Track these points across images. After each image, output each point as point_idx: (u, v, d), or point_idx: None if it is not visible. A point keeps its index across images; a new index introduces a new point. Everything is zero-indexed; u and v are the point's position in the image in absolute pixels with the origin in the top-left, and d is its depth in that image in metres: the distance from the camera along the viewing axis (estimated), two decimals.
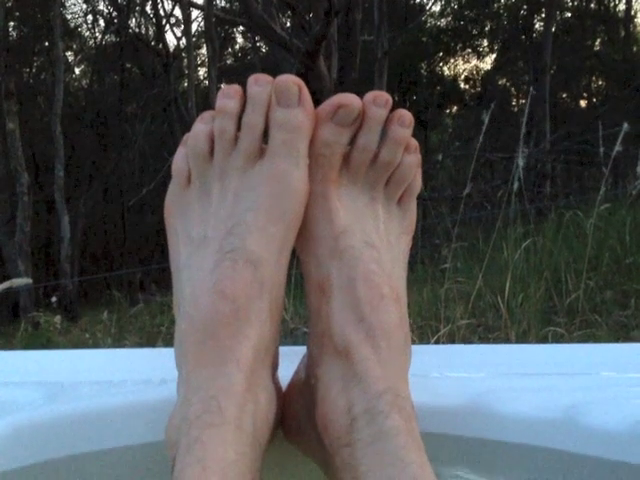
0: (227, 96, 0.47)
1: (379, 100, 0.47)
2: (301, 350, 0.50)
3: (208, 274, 0.44)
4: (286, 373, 0.50)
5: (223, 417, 0.40)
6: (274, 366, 0.47)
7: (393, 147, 0.48)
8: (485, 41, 14.08)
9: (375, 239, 0.48)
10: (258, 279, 0.44)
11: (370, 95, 0.47)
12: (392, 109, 0.48)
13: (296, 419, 0.47)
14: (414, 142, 0.49)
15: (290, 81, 0.45)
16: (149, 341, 3.82)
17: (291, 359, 0.50)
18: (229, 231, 0.45)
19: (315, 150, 0.47)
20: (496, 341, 2.62)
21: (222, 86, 0.49)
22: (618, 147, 2.86)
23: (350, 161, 0.48)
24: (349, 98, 0.46)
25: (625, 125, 2.81)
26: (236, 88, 0.48)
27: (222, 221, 0.46)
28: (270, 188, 0.45)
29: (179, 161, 0.49)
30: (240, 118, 0.47)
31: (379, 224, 0.49)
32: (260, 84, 0.46)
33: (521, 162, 2.88)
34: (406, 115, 0.48)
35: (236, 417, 0.40)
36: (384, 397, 0.41)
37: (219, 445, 0.39)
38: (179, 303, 0.46)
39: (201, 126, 0.48)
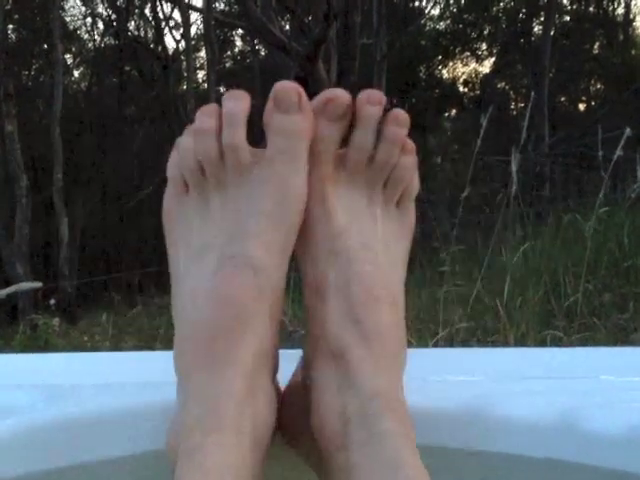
0: (205, 114, 0.47)
1: (373, 98, 0.47)
2: (299, 353, 0.50)
3: (208, 280, 0.44)
4: (285, 376, 0.49)
5: (223, 422, 0.40)
6: (274, 370, 0.47)
7: (389, 147, 0.48)
8: (484, 44, 14.09)
9: (372, 241, 0.47)
10: (258, 284, 0.44)
11: (364, 94, 0.47)
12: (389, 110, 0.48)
13: (293, 422, 0.47)
14: (410, 143, 0.49)
15: (289, 87, 0.45)
16: (147, 343, 3.82)
17: (289, 362, 0.50)
18: (230, 238, 0.45)
19: (310, 147, 0.46)
20: (495, 344, 2.62)
21: (206, 105, 0.48)
22: (619, 151, 2.85)
23: (346, 160, 0.48)
24: (336, 92, 0.46)
25: (628, 129, 2.80)
26: (214, 107, 0.47)
27: (222, 229, 0.45)
28: (270, 194, 0.45)
29: (173, 167, 0.48)
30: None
31: (377, 226, 0.48)
32: (236, 98, 0.46)
33: (514, 167, 2.88)
34: (402, 115, 0.48)
35: (236, 422, 0.40)
36: (376, 400, 0.41)
37: (219, 450, 0.39)
38: (178, 309, 0.46)
39: (189, 141, 0.47)
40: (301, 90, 0.45)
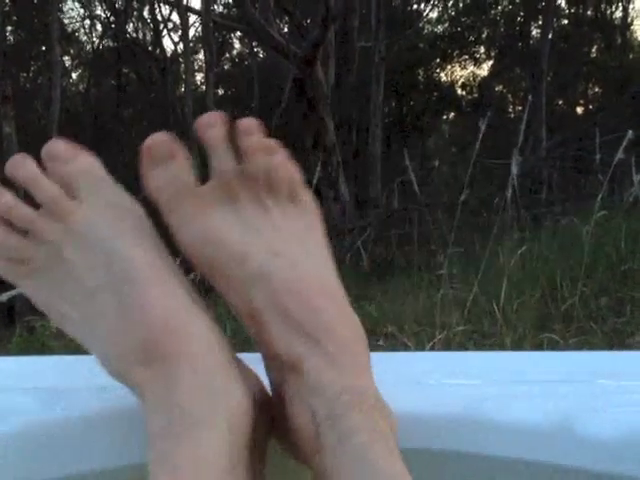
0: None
1: (209, 121, 0.47)
2: None
3: (117, 315, 0.44)
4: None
5: (192, 419, 0.40)
6: (238, 364, 0.46)
7: (251, 157, 0.47)
8: (482, 48, 14.13)
9: (282, 247, 0.46)
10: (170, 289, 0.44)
11: (201, 120, 0.47)
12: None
13: (285, 426, 0.47)
14: (268, 142, 0.48)
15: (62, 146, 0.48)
16: None
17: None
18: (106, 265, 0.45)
19: (163, 192, 0.48)
20: (491, 347, 2.62)
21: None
22: (620, 154, 2.84)
23: (217, 186, 0.47)
24: (153, 137, 0.47)
25: (630, 132, 2.79)
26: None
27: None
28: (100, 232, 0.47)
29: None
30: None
31: (281, 232, 0.47)
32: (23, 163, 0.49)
33: (515, 170, 2.88)
34: (246, 123, 0.48)
35: (207, 417, 0.40)
36: (341, 398, 0.41)
37: (191, 447, 0.39)
38: (96, 348, 0.47)
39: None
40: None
